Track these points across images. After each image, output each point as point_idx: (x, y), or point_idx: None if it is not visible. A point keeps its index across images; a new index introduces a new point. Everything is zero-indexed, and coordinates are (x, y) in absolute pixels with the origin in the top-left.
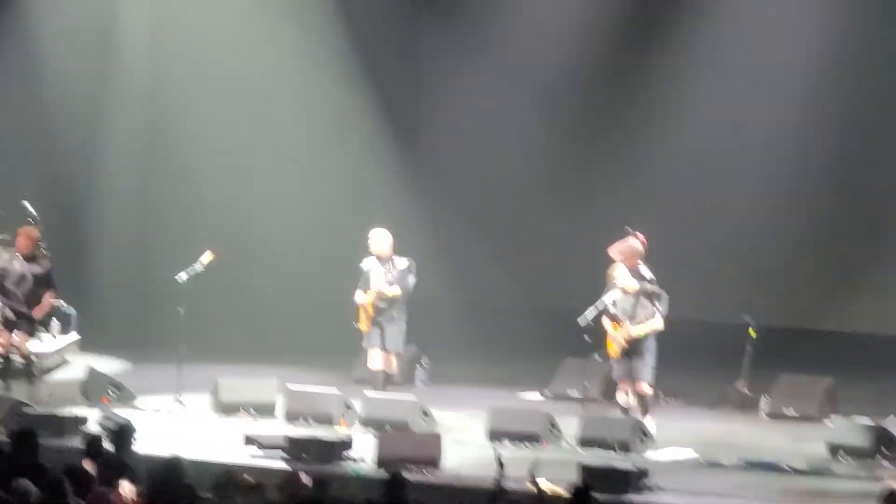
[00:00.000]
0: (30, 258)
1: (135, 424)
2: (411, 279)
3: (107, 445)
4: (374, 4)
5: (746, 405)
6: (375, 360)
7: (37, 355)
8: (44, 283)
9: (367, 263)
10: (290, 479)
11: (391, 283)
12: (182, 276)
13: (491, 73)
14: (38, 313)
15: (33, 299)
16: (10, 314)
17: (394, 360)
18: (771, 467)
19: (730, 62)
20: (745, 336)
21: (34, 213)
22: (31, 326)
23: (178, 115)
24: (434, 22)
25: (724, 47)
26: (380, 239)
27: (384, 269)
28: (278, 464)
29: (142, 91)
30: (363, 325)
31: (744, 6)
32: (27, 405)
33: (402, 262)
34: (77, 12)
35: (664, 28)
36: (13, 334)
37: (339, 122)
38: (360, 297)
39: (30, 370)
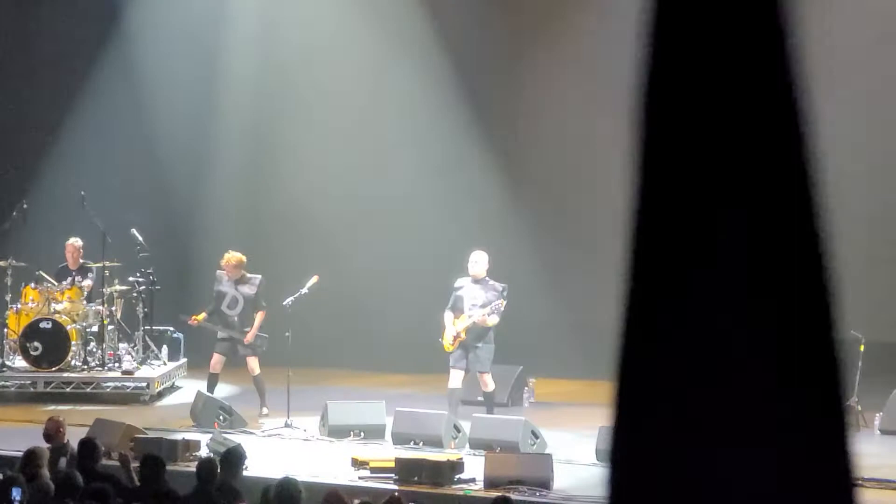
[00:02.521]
0: (239, 281)
1: (245, 449)
2: (503, 303)
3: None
4: (478, 38)
5: (859, 422)
6: (455, 379)
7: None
8: (254, 304)
9: (461, 282)
10: (392, 501)
11: (484, 305)
12: (289, 301)
13: (588, 95)
14: (248, 336)
15: (246, 321)
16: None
17: (488, 380)
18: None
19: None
20: (856, 352)
21: (142, 240)
22: (246, 349)
23: (284, 145)
24: (533, 54)
25: (837, 56)
26: (479, 260)
27: (479, 290)
28: (386, 486)
29: (248, 124)
30: (448, 345)
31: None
32: (139, 430)
33: (497, 287)
34: (182, 45)
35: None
36: (247, 360)
37: (447, 150)
38: (450, 319)
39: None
